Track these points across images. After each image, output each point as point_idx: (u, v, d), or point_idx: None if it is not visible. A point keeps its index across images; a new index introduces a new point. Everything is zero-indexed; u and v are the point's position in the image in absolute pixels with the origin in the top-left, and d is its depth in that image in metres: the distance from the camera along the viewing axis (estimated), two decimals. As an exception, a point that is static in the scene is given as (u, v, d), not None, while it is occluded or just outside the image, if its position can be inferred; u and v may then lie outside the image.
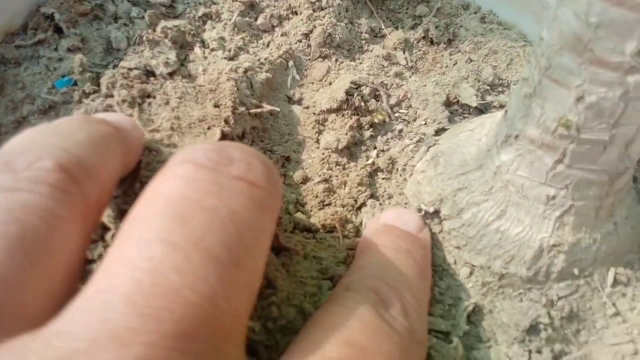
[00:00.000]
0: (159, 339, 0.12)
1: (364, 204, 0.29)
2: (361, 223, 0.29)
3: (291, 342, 0.17)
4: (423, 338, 0.20)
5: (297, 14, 0.36)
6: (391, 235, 0.24)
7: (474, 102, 0.32)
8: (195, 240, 0.14)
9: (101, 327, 0.12)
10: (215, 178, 0.16)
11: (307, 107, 0.33)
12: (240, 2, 0.35)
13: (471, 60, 0.35)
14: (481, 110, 0.33)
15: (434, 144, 0.30)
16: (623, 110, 0.20)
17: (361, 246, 0.24)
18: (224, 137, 0.27)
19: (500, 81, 0.34)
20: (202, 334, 0.13)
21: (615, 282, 0.25)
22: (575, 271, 0.25)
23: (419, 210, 0.27)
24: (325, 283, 0.23)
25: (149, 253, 0.14)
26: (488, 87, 0.33)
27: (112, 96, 0.28)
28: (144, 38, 0.30)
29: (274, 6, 0.36)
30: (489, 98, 0.33)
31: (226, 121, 0.27)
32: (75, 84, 0.29)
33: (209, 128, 0.27)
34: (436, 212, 0.27)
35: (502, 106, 0.33)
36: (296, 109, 0.33)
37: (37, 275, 0.14)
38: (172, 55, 0.30)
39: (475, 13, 0.38)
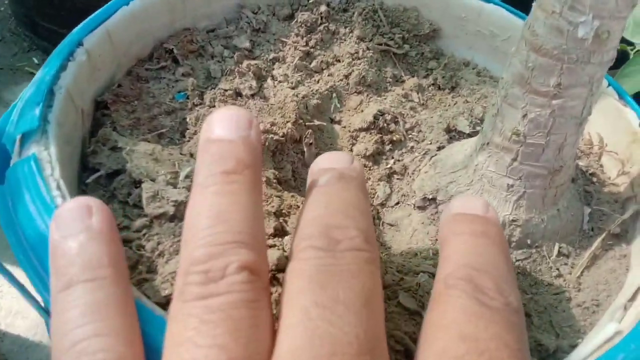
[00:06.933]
0: None
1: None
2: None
3: (418, 347, 0.21)
4: (518, 305, 0.22)
5: (340, 61, 0.49)
6: (464, 222, 0.25)
7: (467, 130, 0.44)
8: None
9: None
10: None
11: (344, 127, 0.45)
12: (299, 50, 0.48)
13: (467, 102, 0.47)
14: (472, 136, 0.45)
15: (435, 154, 0.41)
16: (552, 123, 0.32)
17: (442, 238, 0.26)
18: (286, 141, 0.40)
19: (488, 117, 0.46)
20: None
21: (559, 254, 0.36)
22: (529, 242, 0.35)
23: (424, 198, 0.39)
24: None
25: None
26: (478, 121, 0.45)
27: (214, 106, 0.41)
28: (236, 70, 0.44)
29: (324, 55, 0.49)
30: (478, 128, 0.45)
31: (292, 124, 0.39)
32: (187, 97, 0.42)
33: (278, 128, 0.39)
34: (434, 199, 0.38)
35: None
36: (336, 127, 0.46)
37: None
38: (253, 83, 0.43)
39: (473, 69, 0.51)
